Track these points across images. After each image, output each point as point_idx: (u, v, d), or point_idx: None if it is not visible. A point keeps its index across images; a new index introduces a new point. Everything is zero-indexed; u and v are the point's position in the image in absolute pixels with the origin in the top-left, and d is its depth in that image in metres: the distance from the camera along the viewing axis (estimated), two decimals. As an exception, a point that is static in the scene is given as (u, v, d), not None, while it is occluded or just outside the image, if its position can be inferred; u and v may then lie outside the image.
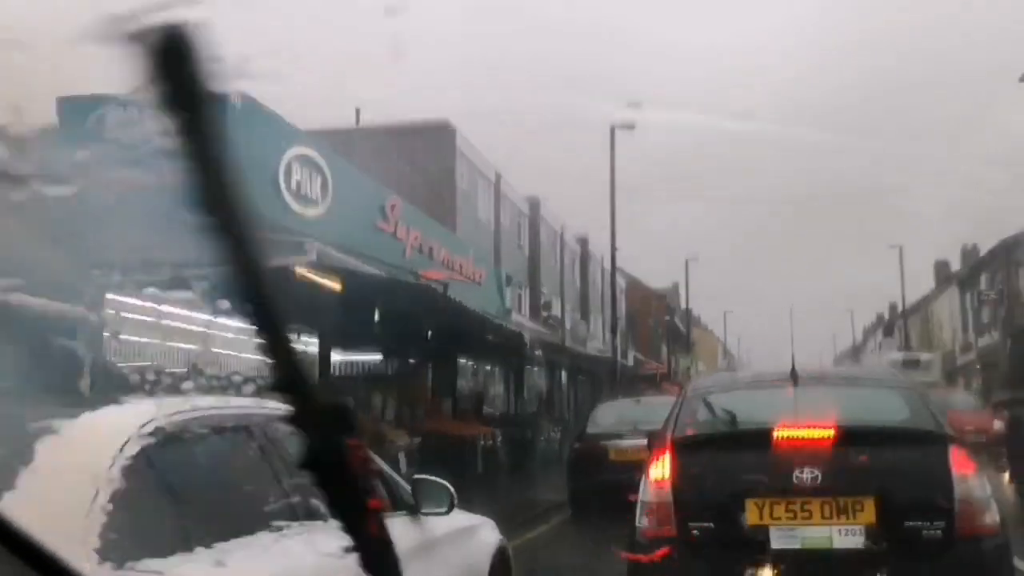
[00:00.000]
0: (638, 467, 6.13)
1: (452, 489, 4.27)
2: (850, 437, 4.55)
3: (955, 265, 49.90)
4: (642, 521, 4.74)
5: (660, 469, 4.77)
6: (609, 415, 13.03)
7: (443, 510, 4.23)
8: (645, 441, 9.90)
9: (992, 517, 4.45)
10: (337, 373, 17.98)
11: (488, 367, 25.57)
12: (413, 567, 3.86)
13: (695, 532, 4.59)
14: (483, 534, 5.15)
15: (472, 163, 26.39)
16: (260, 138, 10.68)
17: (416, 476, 4.30)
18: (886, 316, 69.54)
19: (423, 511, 4.16)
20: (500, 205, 28.88)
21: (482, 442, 15.92)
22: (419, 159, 22.29)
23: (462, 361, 22.87)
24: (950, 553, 4.33)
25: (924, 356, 43.84)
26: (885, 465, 4.57)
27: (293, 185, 11.69)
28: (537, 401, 25.54)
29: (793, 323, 7.36)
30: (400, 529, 3.95)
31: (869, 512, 4.42)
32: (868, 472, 4.51)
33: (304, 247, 9.79)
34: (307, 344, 16.07)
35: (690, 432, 5.04)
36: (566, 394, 31.40)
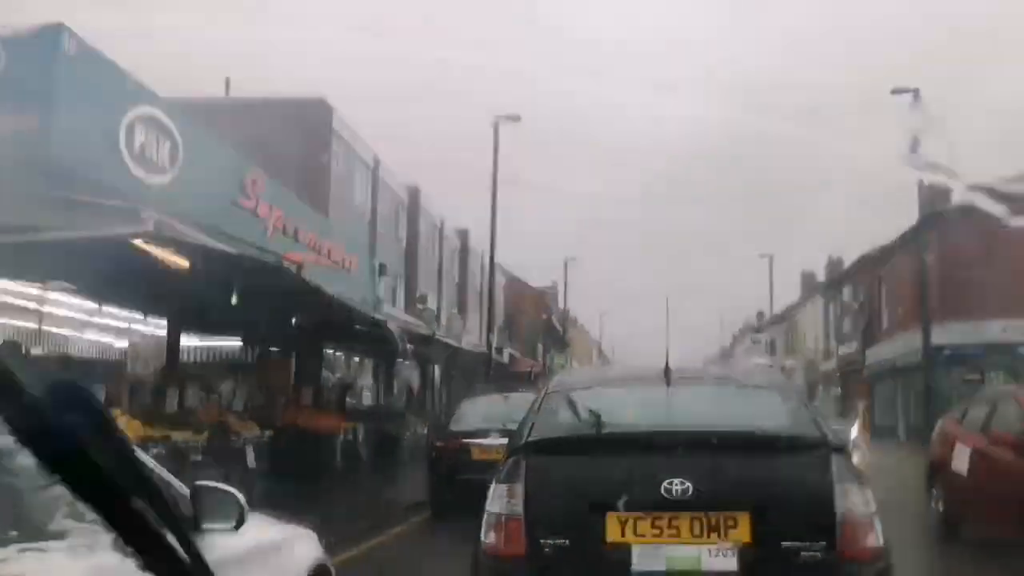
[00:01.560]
0: None
1: (242, 499, 3.49)
2: (725, 444, 4.11)
3: (820, 276, 51.78)
4: (488, 536, 4.12)
5: (510, 475, 4.17)
6: (475, 412, 12.41)
7: (228, 526, 3.43)
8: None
9: (876, 538, 3.97)
10: (192, 360, 16.86)
11: (357, 359, 24.64)
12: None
13: (547, 550, 3.98)
14: (296, 551, 4.31)
15: (350, 145, 25.32)
16: (98, 91, 9.59)
17: (197, 483, 3.45)
18: (754, 323, 71.76)
19: (204, 526, 3.36)
20: (378, 192, 27.90)
21: (342, 437, 15.06)
22: (291, 137, 21.14)
23: (330, 352, 21.93)
24: None
25: (788, 363, 45.19)
26: (762, 476, 4.06)
27: (136, 148, 10.57)
28: (407, 395, 24.77)
29: (668, 322, 6.99)
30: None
31: (743, 530, 3.88)
32: (743, 484, 4.00)
33: (140, 216, 8.74)
34: (156, 327, 14.96)
35: (547, 434, 4.43)
36: (438, 389, 30.72)
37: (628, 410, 4.74)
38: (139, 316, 14.55)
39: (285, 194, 16.35)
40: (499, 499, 4.15)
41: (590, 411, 4.34)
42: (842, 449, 4.33)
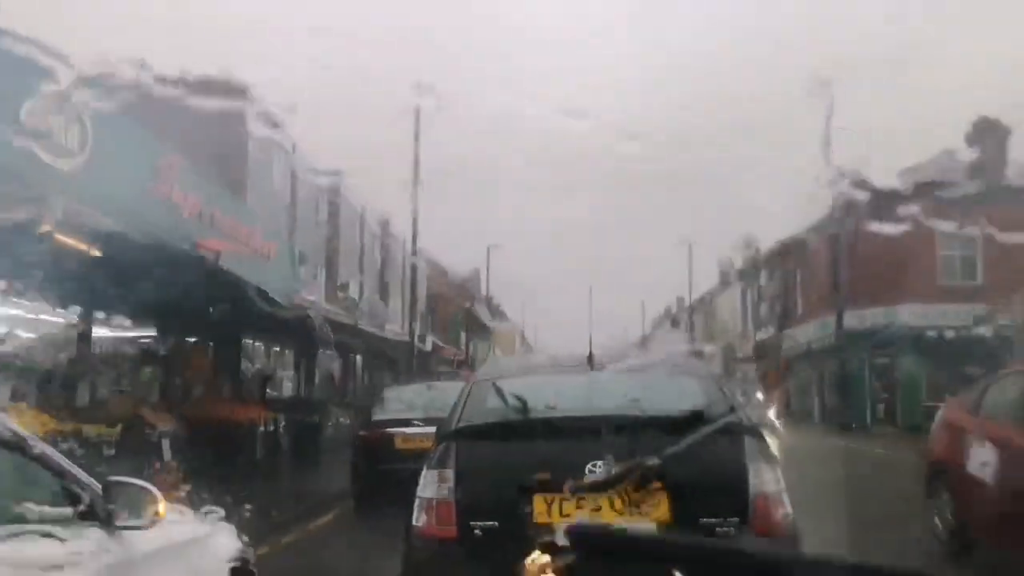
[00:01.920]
0: (424, 455, 5.63)
1: (158, 494, 3.43)
2: (644, 426, 4.32)
3: (738, 262, 52.88)
4: (420, 519, 4.29)
5: (441, 461, 4.37)
6: (398, 400, 12.28)
7: (144, 522, 3.36)
8: (435, 429, 9.75)
9: (785, 513, 4.21)
10: (105, 351, 16.31)
11: (277, 348, 24.21)
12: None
13: (477, 532, 4.14)
14: (216, 545, 4.24)
15: (267, 130, 24.73)
16: (-1, 70, 9.11)
17: (109, 478, 3.36)
18: (674, 309, 72.91)
19: (118, 524, 3.29)
20: (297, 177, 27.38)
21: (262, 428, 14.75)
22: (207, 120, 20.52)
23: (250, 342, 21.47)
24: None
25: (707, 348, 46.12)
26: (680, 457, 4.12)
27: (42, 129, 10.08)
28: (329, 385, 24.44)
29: (591, 310, 7.07)
30: (87, 546, 3.17)
31: (662, 508, 4.11)
32: (662, 464, 4.08)
33: (48, 202, 8.36)
34: (66, 317, 14.40)
35: (476, 420, 4.63)
36: (361, 378, 30.41)
37: (553, 396, 4.84)
38: (47, 307, 14.00)
39: (200, 179, 15.88)
40: (431, 484, 4.31)
41: (516, 397, 4.52)
42: (754, 430, 4.53)
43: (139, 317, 15.57)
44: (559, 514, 4.09)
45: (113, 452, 9.98)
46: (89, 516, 3.26)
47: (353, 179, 33.10)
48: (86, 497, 3.29)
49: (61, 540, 3.04)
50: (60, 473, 3.29)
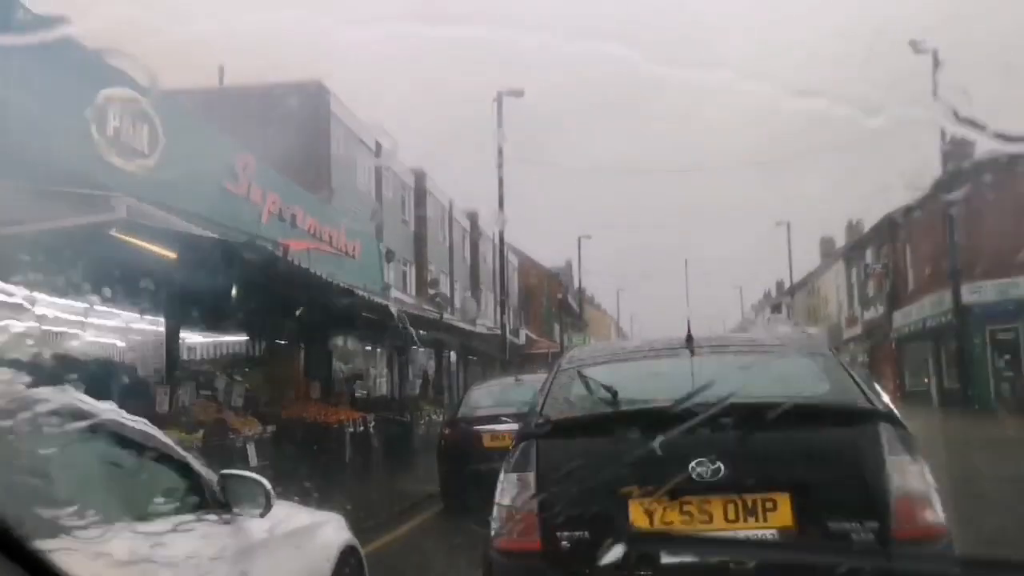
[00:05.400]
0: None
1: (268, 485, 3.74)
2: (759, 417, 3.46)
3: (840, 241, 50.75)
4: (499, 531, 3.73)
5: (521, 463, 3.78)
6: (485, 397, 11.75)
7: (257, 511, 3.70)
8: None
9: (936, 515, 3.47)
10: (196, 357, 16.29)
11: (368, 347, 24.04)
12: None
13: (565, 544, 3.53)
14: (325, 534, 4.59)
15: (349, 129, 24.62)
16: (60, 70, 8.91)
17: (224, 472, 3.71)
18: (773, 293, 70.80)
19: (234, 510, 3.64)
20: (382, 176, 27.22)
21: (351, 428, 14.43)
22: (288, 122, 20.45)
23: (343, 343, 21.31)
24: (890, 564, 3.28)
25: (811, 330, 44.40)
26: (803, 451, 3.54)
27: (109, 132, 9.90)
28: (421, 382, 24.17)
29: (688, 291, 6.53)
30: (207, 532, 3.45)
31: (784, 512, 3.42)
32: (782, 461, 3.51)
33: (111, 203, 8.08)
34: (153, 323, 14.36)
35: (560, 415, 4.00)
36: (455, 375, 30.13)
37: (648, 384, 4.29)
38: (135, 315, 13.96)
39: (281, 179, 15.70)
40: (509, 490, 3.79)
41: (606, 388, 3.90)
42: (892, 417, 3.76)
43: (227, 322, 15.48)
44: (661, 523, 3.49)
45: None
46: (209, 506, 3.57)
47: (440, 175, 32.91)
48: (206, 490, 3.59)
49: (188, 530, 3.30)
50: (184, 467, 3.57)
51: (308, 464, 12.03)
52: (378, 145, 26.96)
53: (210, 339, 17.15)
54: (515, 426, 10.03)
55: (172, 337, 13.82)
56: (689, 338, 4.39)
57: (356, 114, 24.97)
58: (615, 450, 3.64)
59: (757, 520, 3.44)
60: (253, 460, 11.22)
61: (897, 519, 3.40)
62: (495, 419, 10.34)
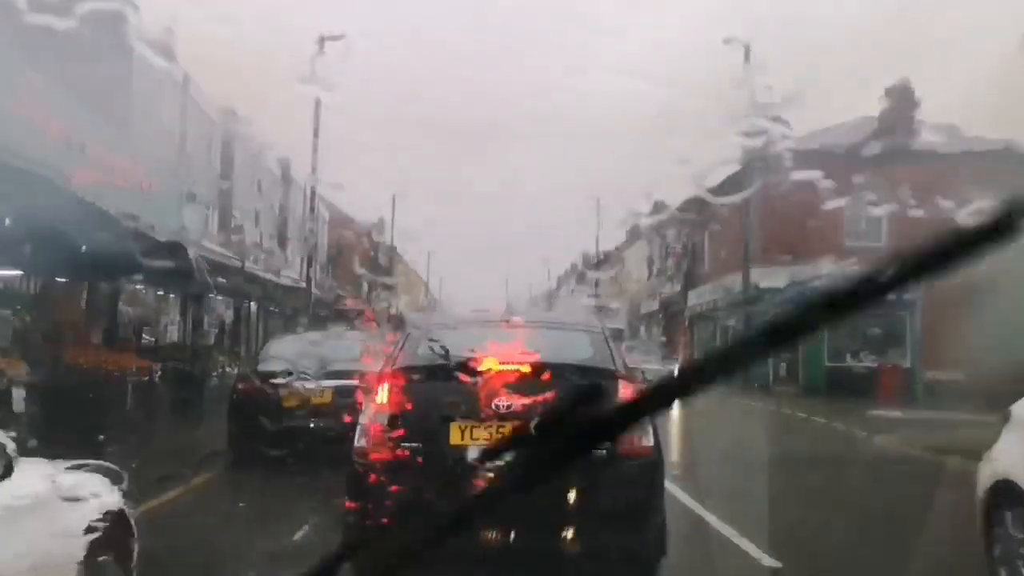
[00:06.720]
0: (317, 413, 8.72)
1: (10, 445, 3.36)
2: (542, 371, 5.18)
3: (646, 220, 52.73)
4: (361, 441, 5.38)
5: (381, 395, 5.47)
6: (286, 351, 11.25)
7: None
8: (327, 383, 9.72)
9: (648, 440, 5.27)
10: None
11: (161, 292, 22.65)
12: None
13: (406, 451, 5.17)
14: (84, 498, 4.02)
15: (154, 60, 22.86)
16: None
17: None
18: (579, 265, 72.88)
19: None
20: (188, 112, 25.55)
21: (135, 378, 13.50)
22: (87, 45, 18.67)
23: (132, 287, 19.92)
24: (612, 468, 4.82)
25: (613, 304, 46.05)
26: (568, 395, 4.38)
27: None
28: (217, 332, 23.07)
29: (502, 270, 8.19)
30: None
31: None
32: (553, 401, 4.27)
33: None
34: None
35: (408, 363, 5.67)
36: (255, 326, 29.03)
37: (474, 345, 5.62)
38: None
39: (70, 102, 14.35)
40: (368, 413, 5.48)
41: (442, 345, 5.51)
42: (627, 376, 5.73)
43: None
44: (470, 438, 5.24)
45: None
46: None
47: (253, 120, 31.34)
48: None
49: None
50: None
51: (82, 412, 11.12)
52: (185, 78, 25.28)
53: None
54: (322, 384, 9.79)
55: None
56: (507, 316, 6.38)
57: (168, 44, 23.21)
58: (444, 389, 5.32)
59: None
60: (20, 406, 10.26)
61: (622, 441, 4.79)
62: (296, 375, 9.87)
